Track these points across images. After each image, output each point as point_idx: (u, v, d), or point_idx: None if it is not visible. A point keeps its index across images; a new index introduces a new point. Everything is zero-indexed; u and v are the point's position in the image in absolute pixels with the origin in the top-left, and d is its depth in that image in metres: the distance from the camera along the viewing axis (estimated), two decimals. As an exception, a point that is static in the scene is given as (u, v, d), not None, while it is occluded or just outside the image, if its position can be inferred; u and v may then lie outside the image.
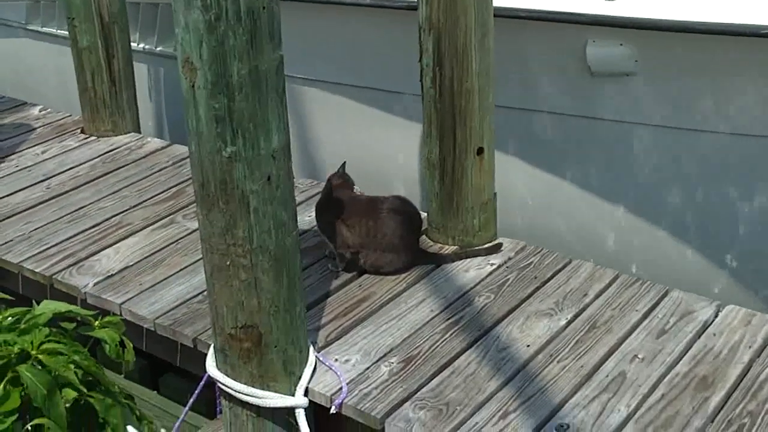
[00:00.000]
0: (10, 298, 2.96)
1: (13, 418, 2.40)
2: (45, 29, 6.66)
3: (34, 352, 2.55)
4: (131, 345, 3.00)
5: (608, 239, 4.55)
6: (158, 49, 6.02)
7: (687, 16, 3.87)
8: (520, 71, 4.46)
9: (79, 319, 2.99)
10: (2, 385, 2.46)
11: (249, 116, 2.78)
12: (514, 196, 4.63)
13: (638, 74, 4.16)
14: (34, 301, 2.87)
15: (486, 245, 4.04)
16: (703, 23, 3.83)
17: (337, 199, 3.89)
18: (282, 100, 2.86)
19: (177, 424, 3.50)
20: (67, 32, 6.22)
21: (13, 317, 2.73)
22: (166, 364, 3.97)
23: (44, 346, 2.57)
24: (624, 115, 4.28)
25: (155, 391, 4.12)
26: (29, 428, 2.47)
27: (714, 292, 4.23)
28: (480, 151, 3.94)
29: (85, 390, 2.64)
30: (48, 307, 2.76)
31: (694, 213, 4.27)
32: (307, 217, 4.24)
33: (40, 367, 2.54)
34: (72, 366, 2.58)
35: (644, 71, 4.14)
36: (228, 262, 2.95)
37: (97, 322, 2.91)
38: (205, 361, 3.32)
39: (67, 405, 2.56)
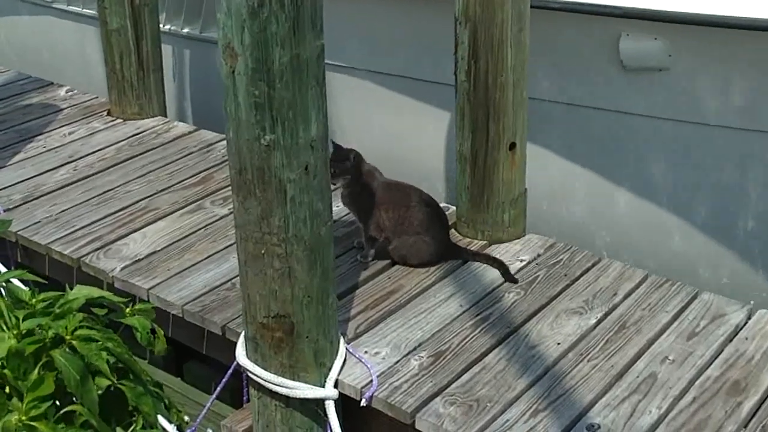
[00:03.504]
0: (42, 280, 2.94)
1: (48, 403, 2.38)
2: (71, 8, 6.63)
3: (68, 338, 2.53)
4: (162, 332, 2.98)
5: (635, 234, 4.51)
6: (184, 30, 5.98)
7: (723, 10, 3.83)
8: (552, 63, 4.42)
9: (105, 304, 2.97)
10: (36, 370, 2.44)
11: (288, 104, 2.75)
12: (541, 188, 4.60)
13: (672, 69, 4.11)
14: (67, 286, 2.85)
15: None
16: (739, 18, 3.79)
17: (372, 182, 3.85)
18: (322, 89, 2.83)
19: (203, 412, 3.48)
20: (92, 11, 6.23)
21: (45, 301, 2.71)
22: (191, 351, 3.96)
23: (78, 332, 2.55)
24: (656, 110, 4.24)
25: (179, 378, 4.10)
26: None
27: (745, 290, 4.19)
28: (512, 146, 3.91)
29: (115, 379, 2.62)
30: (81, 292, 2.73)
31: (728, 210, 4.22)
32: (335, 207, 4.20)
33: (72, 353, 2.51)
34: (104, 353, 2.55)
35: (678, 66, 4.10)
36: (262, 251, 2.93)
37: (128, 309, 2.88)
38: (231, 349, 3.30)
39: (99, 392, 2.54)
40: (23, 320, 2.56)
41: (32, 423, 2.34)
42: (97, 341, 2.58)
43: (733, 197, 4.19)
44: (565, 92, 4.46)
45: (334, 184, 3.69)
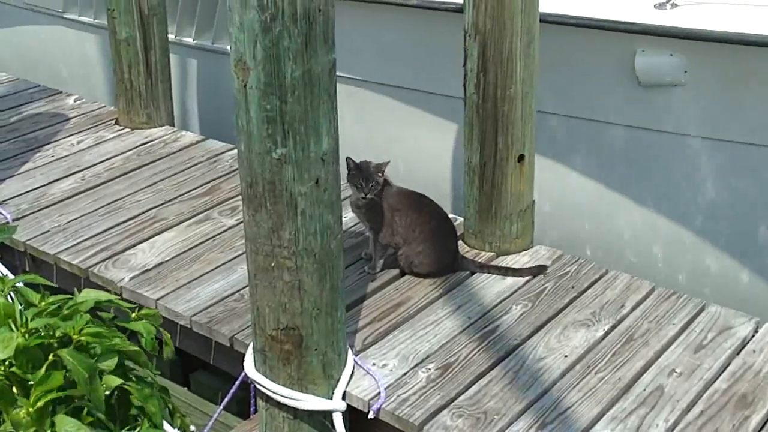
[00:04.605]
0: (53, 284, 2.95)
1: (54, 394, 2.40)
2: (82, 18, 6.65)
3: (75, 337, 2.55)
4: (169, 337, 2.99)
5: (650, 249, 4.51)
6: (194, 41, 5.99)
7: (738, 27, 3.85)
8: (568, 79, 4.43)
9: (112, 310, 2.98)
10: (44, 368, 2.45)
11: (300, 118, 2.77)
12: (555, 204, 4.60)
13: (688, 85, 4.12)
14: (75, 290, 2.87)
15: (529, 266, 3.95)
16: (755, 35, 3.80)
17: (388, 190, 3.86)
18: (333, 103, 2.84)
19: (210, 422, 3.49)
20: (102, 21, 6.24)
21: (54, 304, 2.73)
22: (198, 361, 3.96)
23: (85, 331, 2.57)
24: (672, 126, 4.24)
25: (185, 388, 4.10)
26: None
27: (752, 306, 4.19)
28: (521, 158, 3.92)
29: (122, 378, 2.63)
30: (89, 295, 2.75)
31: (744, 226, 4.23)
32: (343, 219, 4.21)
33: (80, 352, 2.53)
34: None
35: (694, 82, 4.10)
36: (272, 264, 2.94)
37: (134, 314, 2.89)
38: (238, 359, 3.32)
39: (106, 392, 2.55)
40: (32, 319, 2.58)
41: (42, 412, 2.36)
42: (106, 338, 2.60)
43: (750, 212, 4.20)
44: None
45: (364, 199, 3.76)
